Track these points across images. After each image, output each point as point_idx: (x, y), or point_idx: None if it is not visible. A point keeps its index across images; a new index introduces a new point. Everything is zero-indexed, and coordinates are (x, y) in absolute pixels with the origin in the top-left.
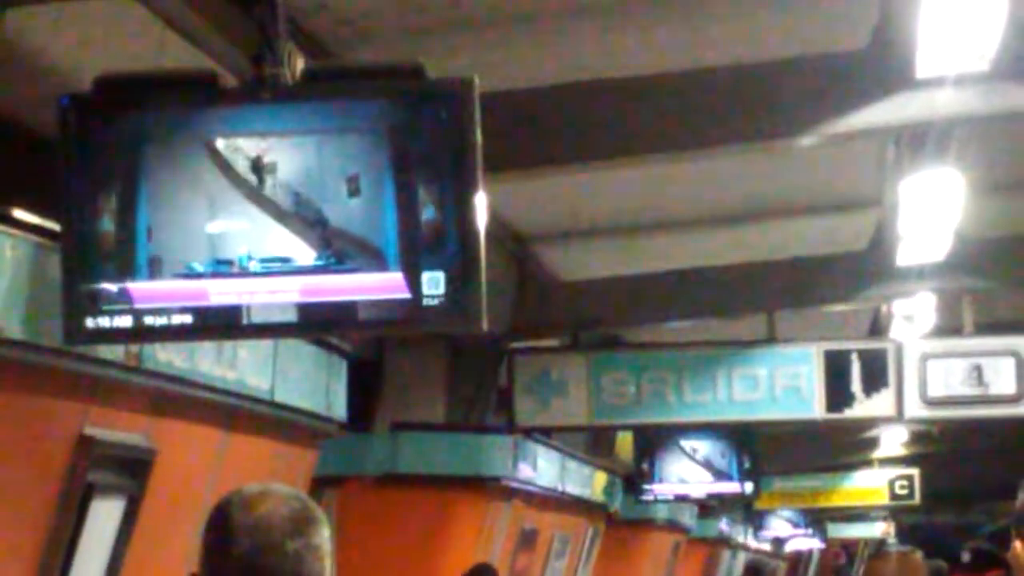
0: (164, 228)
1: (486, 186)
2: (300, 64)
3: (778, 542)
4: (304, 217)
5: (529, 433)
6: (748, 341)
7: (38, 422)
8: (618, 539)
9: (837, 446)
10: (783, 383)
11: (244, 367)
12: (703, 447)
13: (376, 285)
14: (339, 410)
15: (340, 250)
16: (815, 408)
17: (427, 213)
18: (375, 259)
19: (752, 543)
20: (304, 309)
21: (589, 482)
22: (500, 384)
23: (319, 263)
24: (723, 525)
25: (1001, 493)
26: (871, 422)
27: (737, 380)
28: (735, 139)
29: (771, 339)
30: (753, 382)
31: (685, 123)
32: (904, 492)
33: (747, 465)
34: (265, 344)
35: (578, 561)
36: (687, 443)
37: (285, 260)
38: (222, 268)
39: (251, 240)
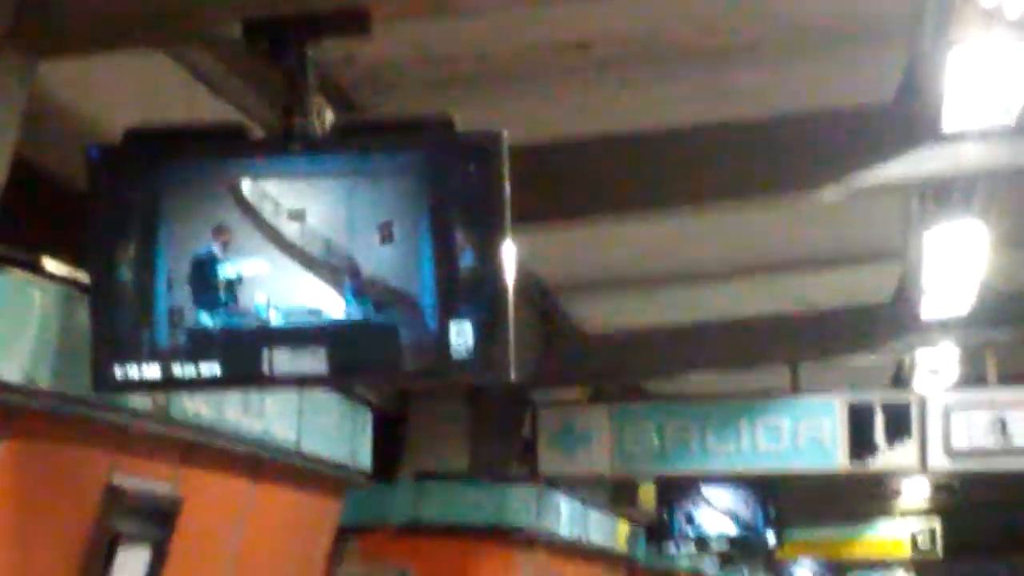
0: (189, 278)
1: (513, 237)
2: (329, 116)
3: None
4: (334, 265)
5: (553, 483)
6: (771, 392)
7: (66, 471)
8: None
9: (859, 497)
10: (806, 434)
11: (270, 417)
12: (725, 497)
13: (405, 335)
14: (364, 460)
15: (369, 299)
16: (838, 459)
17: (456, 265)
18: (404, 309)
19: None
20: (332, 359)
21: (612, 532)
22: (524, 434)
23: (347, 312)
24: (745, 575)
25: None
26: (894, 474)
27: (760, 431)
28: (760, 191)
29: (794, 390)
30: (776, 433)
31: (710, 175)
32: (926, 544)
33: (769, 515)
34: (291, 394)
35: None
36: (709, 493)
37: (313, 309)
38: (249, 317)
39: (279, 288)
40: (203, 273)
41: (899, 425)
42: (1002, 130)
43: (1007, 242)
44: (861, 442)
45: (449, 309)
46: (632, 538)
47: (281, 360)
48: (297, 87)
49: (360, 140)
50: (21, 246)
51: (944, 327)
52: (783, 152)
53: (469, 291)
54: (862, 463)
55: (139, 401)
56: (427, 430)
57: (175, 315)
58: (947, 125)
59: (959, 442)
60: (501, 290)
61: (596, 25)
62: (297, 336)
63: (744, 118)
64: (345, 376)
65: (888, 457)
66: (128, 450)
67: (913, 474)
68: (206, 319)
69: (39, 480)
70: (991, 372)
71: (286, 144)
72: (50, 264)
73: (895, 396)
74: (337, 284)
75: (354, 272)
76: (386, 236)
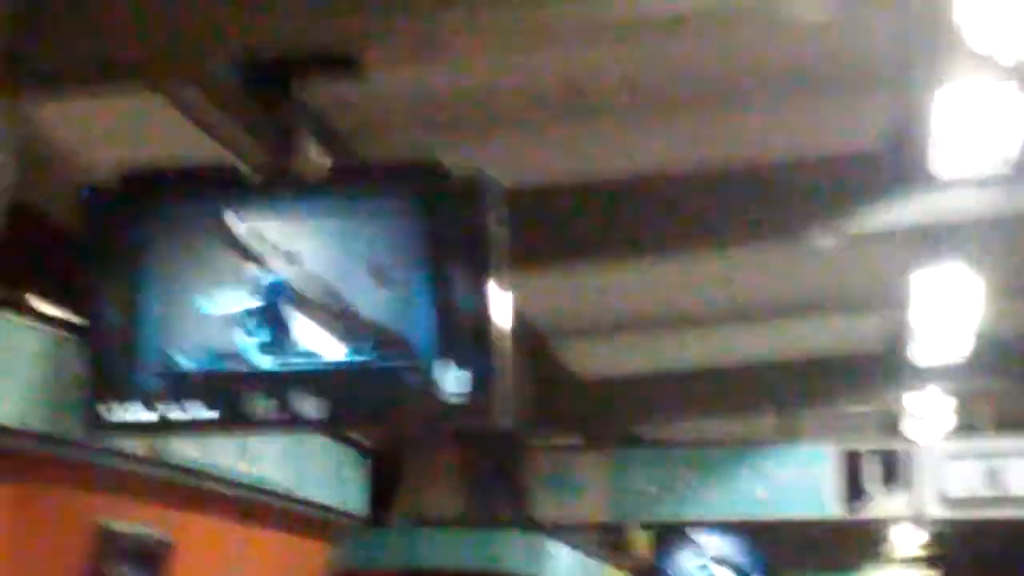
0: (182, 321)
1: (506, 281)
2: (321, 160)
3: None
4: (329, 307)
5: (546, 529)
6: (765, 440)
7: (58, 514)
8: None
9: (854, 546)
10: (800, 482)
11: (263, 461)
12: (719, 544)
13: (399, 380)
14: (358, 504)
15: (364, 343)
16: (832, 507)
17: (449, 309)
18: (398, 353)
19: None
20: (326, 403)
21: None
22: (518, 480)
23: (343, 355)
24: None
25: None
26: (888, 522)
27: (754, 478)
28: (754, 238)
29: (788, 438)
30: (770, 481)
31: (703, 221)
32: None
33: (764, 563)
34: (284, 438)
35: None
36: (703, 540)
37: (308, 352)
38: (243, 361)
39: (273, 332)
40: (196, 316)
41: (893, 473)
42: (993, 176)
43: (1000, 289)
44: (854, 490)
45: (443, 353)
46: None
47: (275, 404)
48: (289, 130)
49: (352, 184)
50: (13, 288)
51: (938, 375)
52: (776, 198)
53: (463, 335)
54: (855, 511)
55: (131, 444)
56: (421, 475)
57: (169, 358)
58: (938, 171)
59: (954, 491)
60: (495, 334)
61: (588, 70)
62: (291, 380)
63: (735, 164)
64: (339, 421)
65: (882, 505)
66: (120, 493)
67: (907, 522)
68: (199, 362)
69: (30, 523)
70: (986, 420)
71: (278, 187)
72: (42, 306)
73: (889, 444)
74: (332, 327)
75: (350, 315)
76: (380, 279)
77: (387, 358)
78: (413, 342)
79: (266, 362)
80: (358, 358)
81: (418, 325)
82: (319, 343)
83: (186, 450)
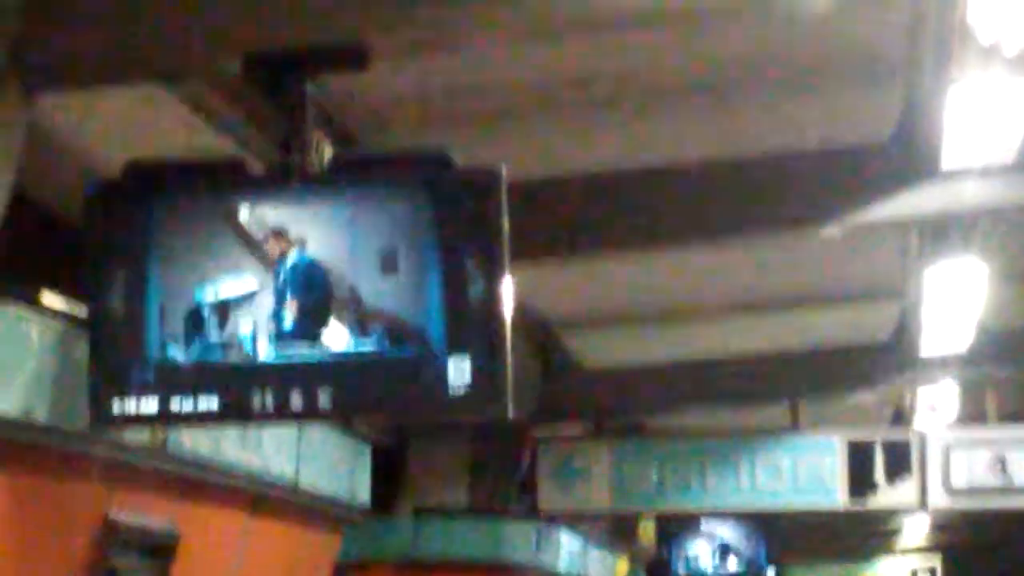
0: (188, 313)
1: (512, 273)
2: (328, 152)
3: None
4: (335, 296)
5: (552, 519)
6: (771, 430)
7: (64, 506)
8: None
9: (860, 535)
10: (806, 472)
11: (268, 452)
12: (726, 533)
13: (405, 371)
14: (363, 495)
15: (370, 332)
16: (838, 497)
17: (453, 301)
18: (404, 343)
19: None
20: (333, 394)
21: (611, 568)
22: (523, 470)
23: (349, 345)
24: None
25: None
26: (894, 511)
27: (760, 468)
28: (760, 228)
29: (794, 428)
30: (776, 471)
31: (710, 213)
32: None
33: (771, 552)
34: (289, 430)
35: None
36: (710, 529)
37: (316, 343)
38: (248, 351)
39: (278, 322)
40: (202, 307)
41: (899, 463)
42: (1001, 167)
43: (1007, 279)
44: (861, 480)
45: (448, 344)
46: (632, 575)
47: (279, 395)
48: (296, 122)
49: (358, 175)
50: (19, 280)
51: (944, 364)
52: (782, 189)
53: (467, 326)
54: (862, 500)
55: (137, 436)
56: (427, 465)
57: (173, 350)
58: (946, 162)
59: (959, 480)
60: (499, 325)
61: (595, 64)
62: (297, 370)
63: (744, 156)
64: (345, 412)
65: (888, 495)
66: (126, 485)
67: (913, 512)
68: (204, 353)
69: (36, 515)
70: (991, 410)
71: (284, 179)
72: (48, 298)
73: (895, 434)
74: (338, 316)
75: (356, 305)
76: (387, 270)
77: (394, 348)
78: (420, 332)
79: (271, 353)
80: (365, 348)
81: (425, 315)
82: (326, 333)
83: (192, 441)
